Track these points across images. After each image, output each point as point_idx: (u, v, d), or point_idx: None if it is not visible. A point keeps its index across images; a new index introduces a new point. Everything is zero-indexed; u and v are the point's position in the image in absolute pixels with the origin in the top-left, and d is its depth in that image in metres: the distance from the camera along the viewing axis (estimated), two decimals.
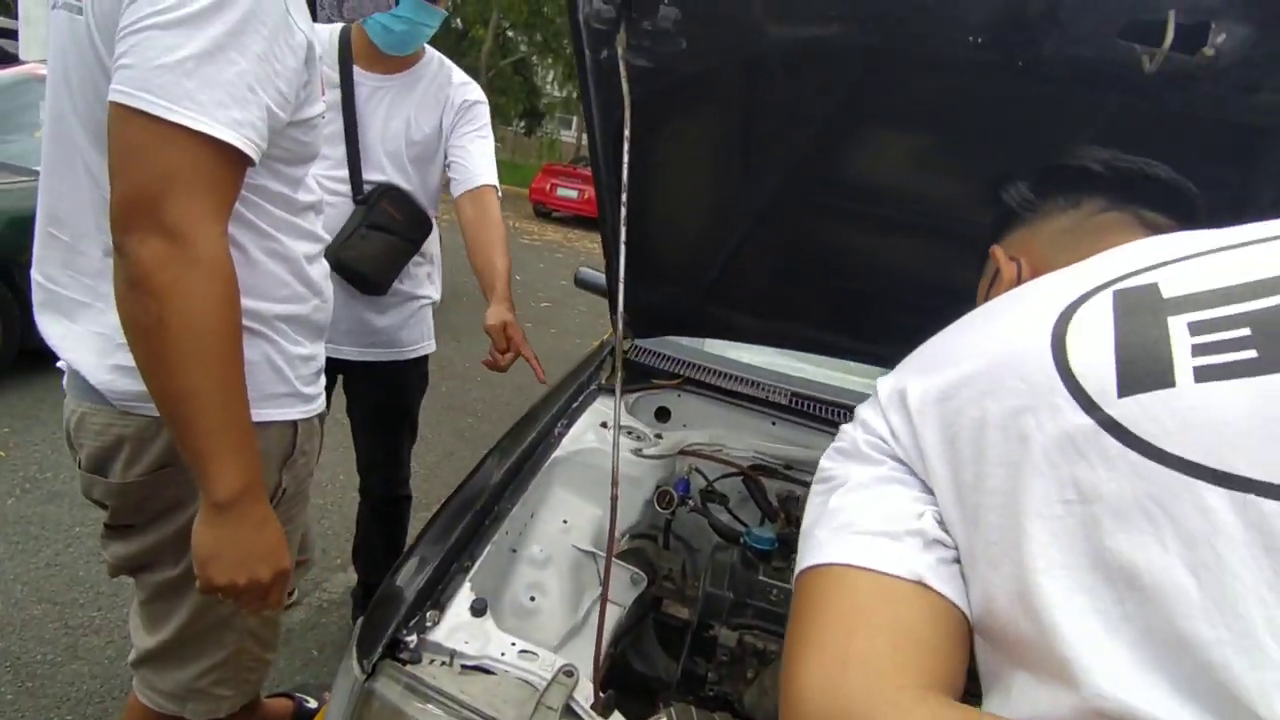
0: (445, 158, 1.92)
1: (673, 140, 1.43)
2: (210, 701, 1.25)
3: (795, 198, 1.44)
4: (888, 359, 1.77)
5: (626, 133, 1.10)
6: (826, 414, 1.76)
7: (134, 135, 0.85)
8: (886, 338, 1.70)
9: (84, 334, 1.05)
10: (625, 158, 1.08)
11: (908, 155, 1.25)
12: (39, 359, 3.40)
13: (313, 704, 1.89)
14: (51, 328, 1.08)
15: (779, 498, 1.64)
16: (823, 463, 0.72)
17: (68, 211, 1.04)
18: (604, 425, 1.66)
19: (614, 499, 0.99)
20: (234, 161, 0.91)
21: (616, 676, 1.54)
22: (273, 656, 1.40)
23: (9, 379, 3.41)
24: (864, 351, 1.78)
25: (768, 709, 1.16)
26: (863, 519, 0.62)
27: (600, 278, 2.52)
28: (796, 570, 0.64)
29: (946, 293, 1.59)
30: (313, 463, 1.30)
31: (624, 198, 1.09)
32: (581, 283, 2.53)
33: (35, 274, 1.10)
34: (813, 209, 1.46)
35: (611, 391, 1.83)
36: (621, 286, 1.19)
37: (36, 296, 1.10)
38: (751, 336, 1.87)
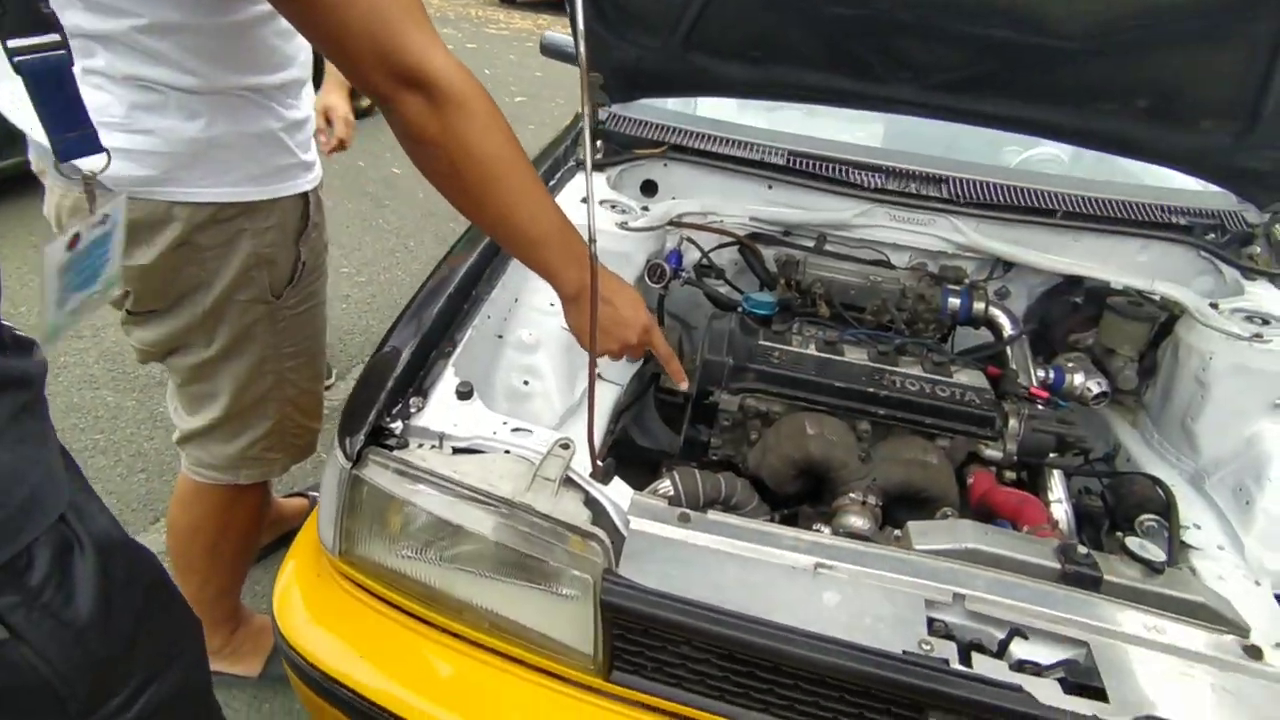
0: None
1: None
2: (262, 465, 1.34)
3: None
4: (900, 102, 1.57)
5: None
6: (828, 171, 1.60)
7: None
8: (901, 76, 1.50)
9: None
10: None
11: None
12: None
13: None
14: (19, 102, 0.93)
15: (778, 263, 1.54)
16: None
17: None
18: (585, 201, 1.51)
19: (594, 273, 0.88)
20: None
21: (621, 452, 1.55)
22: (319, 425, 1.44)
23: None
24: (872, 96, 1.58)
25: (772, 465, 1.14)
26: None
27: (569, 41, 2.22)
28: None
29: (978, 11, 1.37)
30: (325, 234, 1.30)
31: None
32: (549, 49, 2.24)
33: None
34: None
35: (593, 167, 1.66)
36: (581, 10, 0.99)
37: None
38: (741, 88, 1.66)
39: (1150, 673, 0.81)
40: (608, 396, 1.38)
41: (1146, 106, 1.43)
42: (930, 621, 0.84)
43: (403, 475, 0.93)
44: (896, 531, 1.06)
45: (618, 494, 0.95)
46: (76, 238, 0.86)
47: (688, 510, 0.93)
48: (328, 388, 2.40)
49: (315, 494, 1.97)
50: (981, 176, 1.61)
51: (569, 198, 1.52)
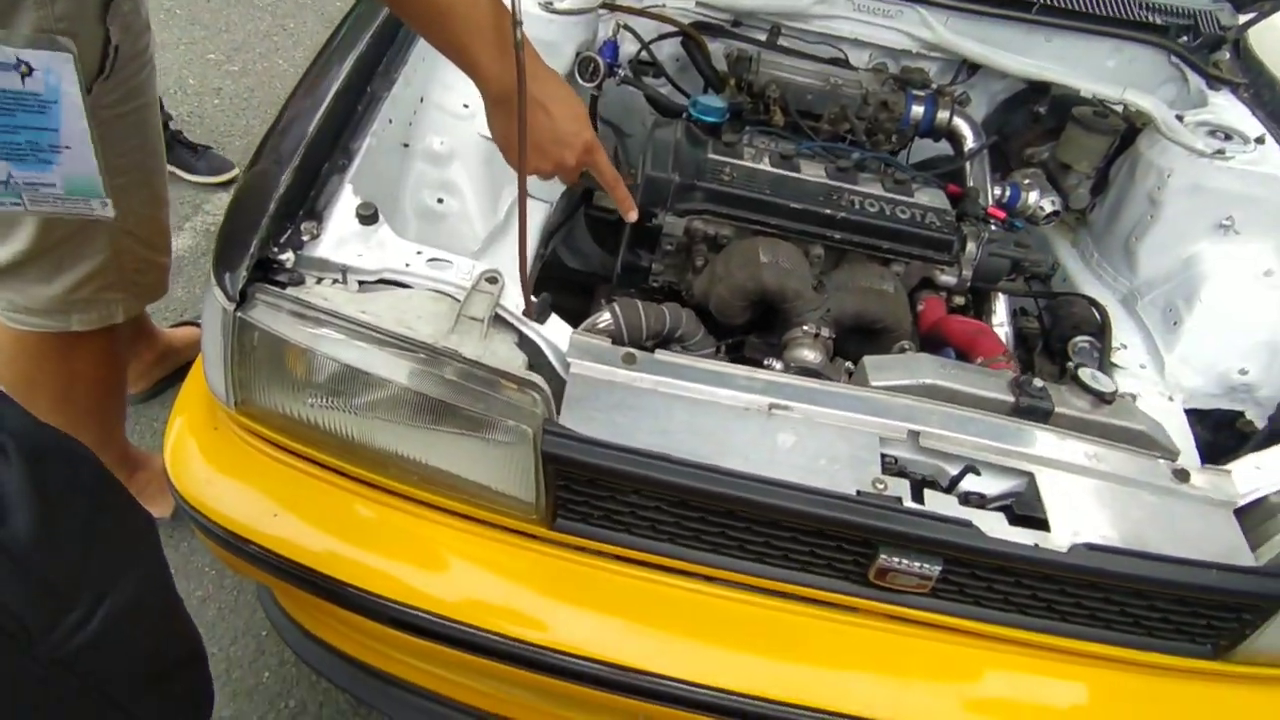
0: None
1: None
2: (98, 309, 1.13)
3: None
4: None
5: None
6: None
7: None
8: None
9: None
10: None
11: None
12: None
13: None
14: None
15: (728, 60, 1.35)
16: None
17: None
18: None
19: (520, 68, 0.70)
20: None
21: (550, 276, 1.43)
22: (166, 260, 1.26)
23: None
24: None
25: (721, 296, 1.06)
26: None
27: None
28: None
29: None
30: (145, 9, 1.08)
31: None
32: None
33: None
34: None
35: None
36: None
37: None
38: None
39: (1089, 500, 0.82)
40: (537, 217, 1.23)
41: None
42: (884, 459, 0.82)
43: (300, 318, 0.79)
44: (848, 363, 1.01)
45: (555, 334, 0.85)
46: None
47: (633, 350, 0.85)
48: (229, 184, 2.15)
49: None
50: None
51: None
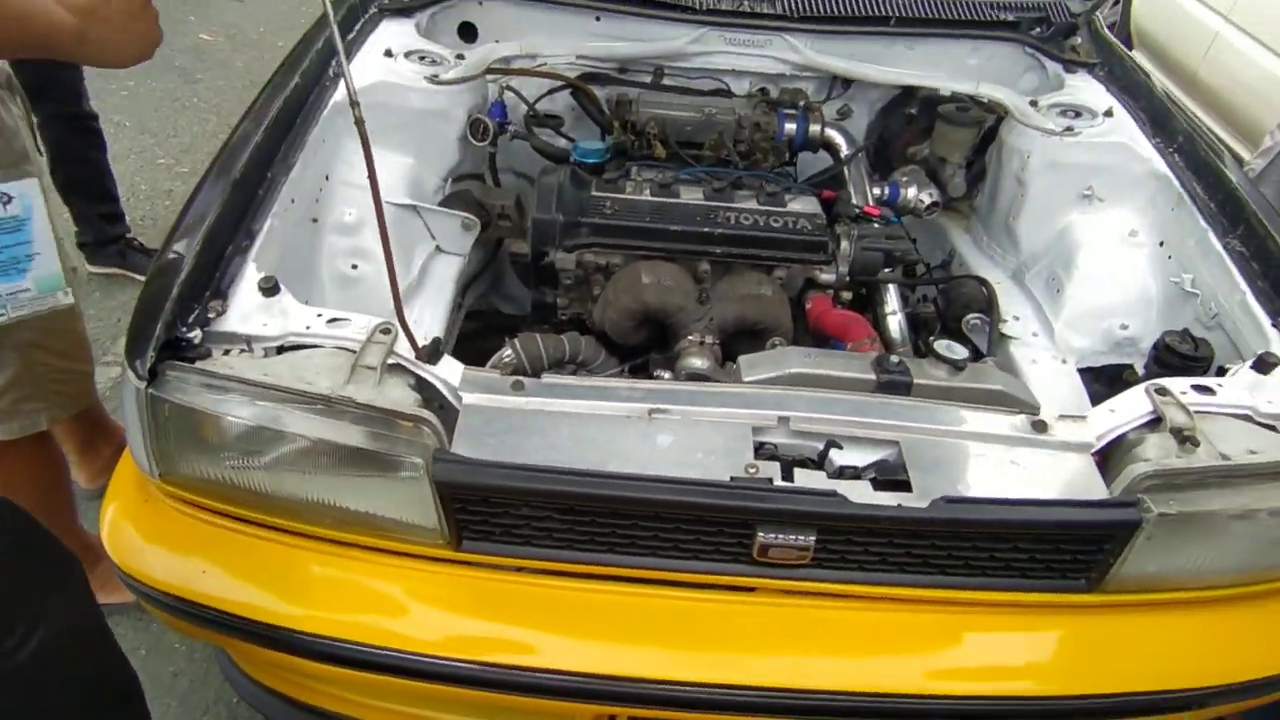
0: None
1: None
2: (21, 418, 1.17)
3: None
4: None
5: None
6: None
7: None
8: None
9: None
10: None
11: None
12: None
13: None
14: None
15: (608, 104, 1.46)
16: None
17: None
18: (388, 54, 1.35)
19: (361, 128, 0.79)
20: None
21: (485, 325, 1.51)
22: (88, 368, 1.28)
23: None
24: None
25: (612, 319, 1.14)
26: None
27: None
28: None
29: None
30: (17, 141, 1.08)
31: None
32: None
33: None
34: None
35: (399, 11, 1.47)
36: None
37: None
38: None
39: (950, 459, 0.89)
40: (448, 270, 1.32)
41: None
42: (758, 446, 0.89)
43: (207, 387, 0.86)
44: (735, 365, 1.09)
45: (448, 371, 0.93)
46: None
47: (521, 378, 0.92)
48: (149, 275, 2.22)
49: None
50: None
51: (371, 50, 1.35)
